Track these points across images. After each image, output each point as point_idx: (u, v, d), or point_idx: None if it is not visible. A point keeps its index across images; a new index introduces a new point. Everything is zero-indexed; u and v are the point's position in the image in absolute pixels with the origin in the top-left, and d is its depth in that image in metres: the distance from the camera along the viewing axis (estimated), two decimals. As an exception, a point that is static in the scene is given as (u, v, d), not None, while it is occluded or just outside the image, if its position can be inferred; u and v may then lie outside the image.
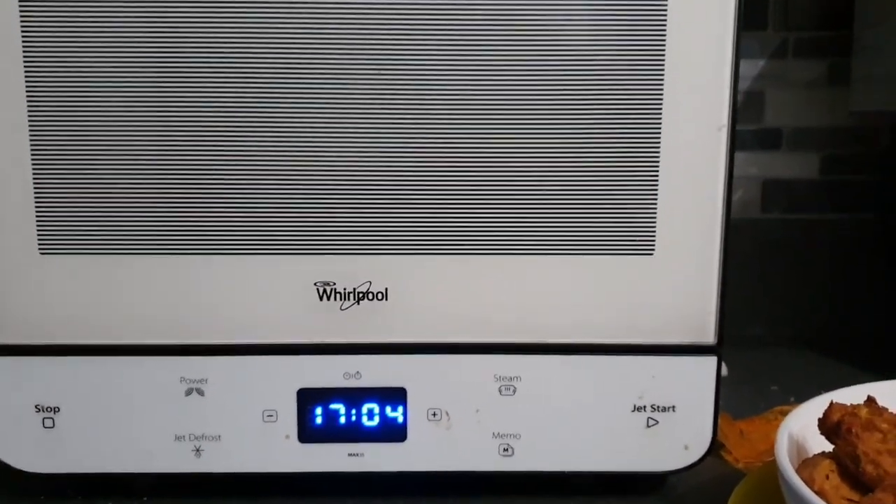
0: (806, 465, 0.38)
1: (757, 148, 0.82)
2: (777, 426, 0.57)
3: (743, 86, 0.49)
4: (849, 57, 0.78)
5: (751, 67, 0.81)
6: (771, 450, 0.55)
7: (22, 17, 0.43)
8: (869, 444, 0.36)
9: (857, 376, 0.70)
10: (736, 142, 0.46)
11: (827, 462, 0.37)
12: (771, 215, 0.84)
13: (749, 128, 0.81)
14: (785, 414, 0.60)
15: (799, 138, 0.83)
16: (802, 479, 0.36)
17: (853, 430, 0.37)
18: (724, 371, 0.48)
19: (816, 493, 0.35)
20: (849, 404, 0.39)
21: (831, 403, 0.40)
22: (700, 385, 0.47)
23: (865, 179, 0.83)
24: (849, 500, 0.36)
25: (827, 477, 0.37)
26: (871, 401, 0.40)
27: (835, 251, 0.83)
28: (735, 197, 0.45)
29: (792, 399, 0.64)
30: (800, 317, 0.83)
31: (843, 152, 0.83)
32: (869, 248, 0.83)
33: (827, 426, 0.39)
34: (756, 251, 0.82)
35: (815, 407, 0.42)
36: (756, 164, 0.82)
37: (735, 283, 0.47)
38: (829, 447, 0.40)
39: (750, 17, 0.80)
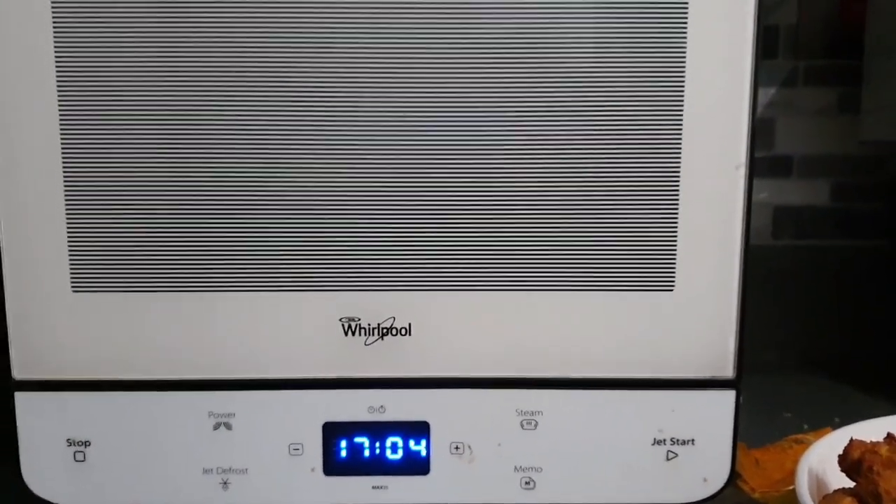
0: (827, 502, 0.39)
1: (767, 175, 0.83)
2: (792, 455, 0.58)
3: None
4: (859, 85, 0.79)
5: (761, 95, 0.82)
6: (786, 479, 0.56)
7: (58, 65, 0.44)
8: (891, 482, 0.37)
9: (869, 403, 0.70)
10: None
11: (848, 500, 0.38)
12: (781, 242, 0.84)
13: (759, 155, 0.82)
14: (799, 442, 0.60)
15: (809, 166, 0.84)
16: (824, 516, 0.37)
17: (874, 468, 0.37)
18: (738, 399, 0.48)
19: (839, 530, 0.36)
20: (869, 441, 0.40)
21: (851, 440, 0.40)
22: (719, 419, 0.48)
23: (876, 207, 0.84)
24: (871, 537, 0.37)
25: (849, 514, 0.37)
26: (891, 438, 0.40)
27: (845, 278, 0.84)
28: (749, 240, 0.46)
29: (805, 426, 0.64)
30: (811, 343, 0.84)
31: (853, 180, 0.84)
32: (879, 275, 0.84)
33: (847, 463, 0.39)
34: (767, 278, 0.82)
35: (834, 441, 0.43)
36: (766, 191, 0.83)
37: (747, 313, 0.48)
38: (848, 482, 0.40)
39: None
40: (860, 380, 0.76)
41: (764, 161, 0.83)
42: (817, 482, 0.42)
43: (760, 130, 0.82)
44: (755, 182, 0.46)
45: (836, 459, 0.41)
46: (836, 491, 0.40)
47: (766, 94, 0.83)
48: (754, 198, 0.55)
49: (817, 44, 0.82)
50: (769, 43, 0.83)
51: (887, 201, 0.83)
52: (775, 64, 0.83)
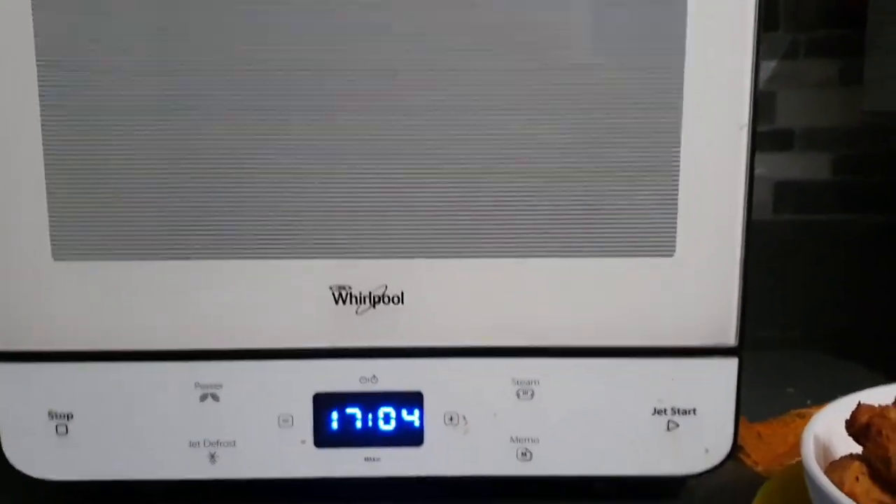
0: (834, 468, 0.37)
1: (768, 149, 0.82)
2: (795, 429, 0.57)
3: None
4: (860, 57, 0.77)
5: (762, 68, 0.80)
6: (790, 452, 0.54)
7: (36, 27, 0.42)
8: (900, 445, 0.35)
9: (872, 378, 0.69)
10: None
11: (856, 464, 0.37)
12: (783, 217, 0.83)
13: (761, 129, 0.80)
14: (802, 416, 0.59)
15: (811, 139, 0.82)
16: (832, 481, 0.36)
17: (883, 432, 0.36)
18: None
19: (847, 495, 0.35)
20: (877, 405, 0.39)
21: (859, 405, 0.39)
22: (721, 387, 0.47)
23: (878, 180, 0.82)
24: (880, 502, 0.35)
25: (857, 479, 0.36)
26: (899, 402, 0.39)
27: (847, 252, 0.83)
28: (752, 206, 0.45)
29: (809, 401, 0.63)
30: (813, 319, 0.83)
31: (855, 153, 0.82)
32: (882, 250, 0.82)
33: (855, 428, 0.38)
34: (768, 253, 0.81)
35: (840, 408, 0.42)
36: (767, 165, 0.82)
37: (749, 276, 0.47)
38: (855, 448, 0.39)
39: (761, 18, 0.80)
40: (863, 355, 0.75)
41: (765, 135, 0.81)
42: (823, 450, 0.41)
43: (761, 104, 0.81)
44: (756, 156, 0.45)
45: (842, 427, 0.40)
46: (843, 457, 0.39)
47: (767, 66, 0.81)
48: (755, 172, 0.54)
49: (818, 15, 0.81)
50: (769, 15, 0.81)
51: (890, 175, 0.82)
52: (776, 36, 0.81)
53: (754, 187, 0.45)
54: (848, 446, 0.40)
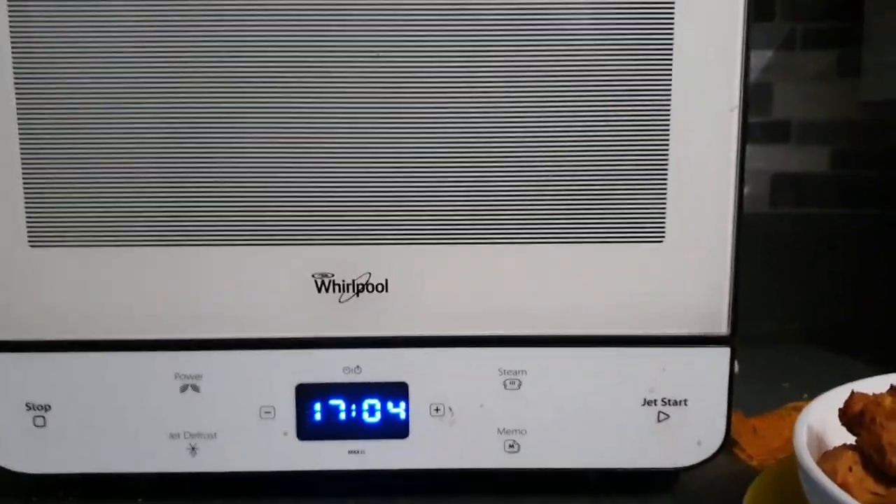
0: (827, 458, 0.36)
1: (765, 141, 0.81)
2: (790, 422, 0.56)
3: (750, 78, 0.48)
4: (858, 47, 0.77)
5: (758, 59, 0.80)
6: (785, 446, 0.53)
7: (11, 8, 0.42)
8: (894, 433, 0.34)
9: (870, 372, 0.68)
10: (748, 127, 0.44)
11: (850, 454, 0.36)
12: (780, 210, 0.82)
13: (756, 121, 0.80)
14: (798, 410, 0.58)
15: (808, 131, 0.81)
16: (824, 471, 0.35)
17: (877, 420, 0.35)
18: (736, 368, 0.46)
19: (839, 486, 0.34)
20: (871, 394, 0.38)
21: (853, 393, 0.38)
22: (713, 377, 0.46)
23: (876, 173, 0.81)
24: (874, 493, 0.34)
25: (850, 469, 0.35)
26: (894, 390, 0.38)
27: (845, 246, 0.82)
28: (743, 191, 0.44)
29: (805, 396, 0.62)
30: (810, 313, 0.82)
31: (852, 146, 0.81)
32: (880, 244, 0.81)
33: (849, 417, 0.37)
34: (765, 247, 0.80)
35: (834, 398, 0.41)
36: (764, 158, 0.81)
37: (744, 279, 0.45)
38: (849, 440, 0.38)
39: (757, 8, 0.79)
40: (861, 350, 0.75)
41: (761, 127, 0.80)
42: (817, 441, 0.40)
43: (757, 95, 0.80)
44: (752, 149, 0.44)
45: (835, 418, 0.39)
46: (836, 447, 0.38)
47: (763, 57, 0.80)
48: (752, 165, 0.53)
49: (815, 4, 0.80)
50: (766, 4, 0.80)
51: (888, 169, 0.81)
52: (772, 26, 0.81)
53: (752, 180, 0.44)
54: (841, 437, 0.39)
